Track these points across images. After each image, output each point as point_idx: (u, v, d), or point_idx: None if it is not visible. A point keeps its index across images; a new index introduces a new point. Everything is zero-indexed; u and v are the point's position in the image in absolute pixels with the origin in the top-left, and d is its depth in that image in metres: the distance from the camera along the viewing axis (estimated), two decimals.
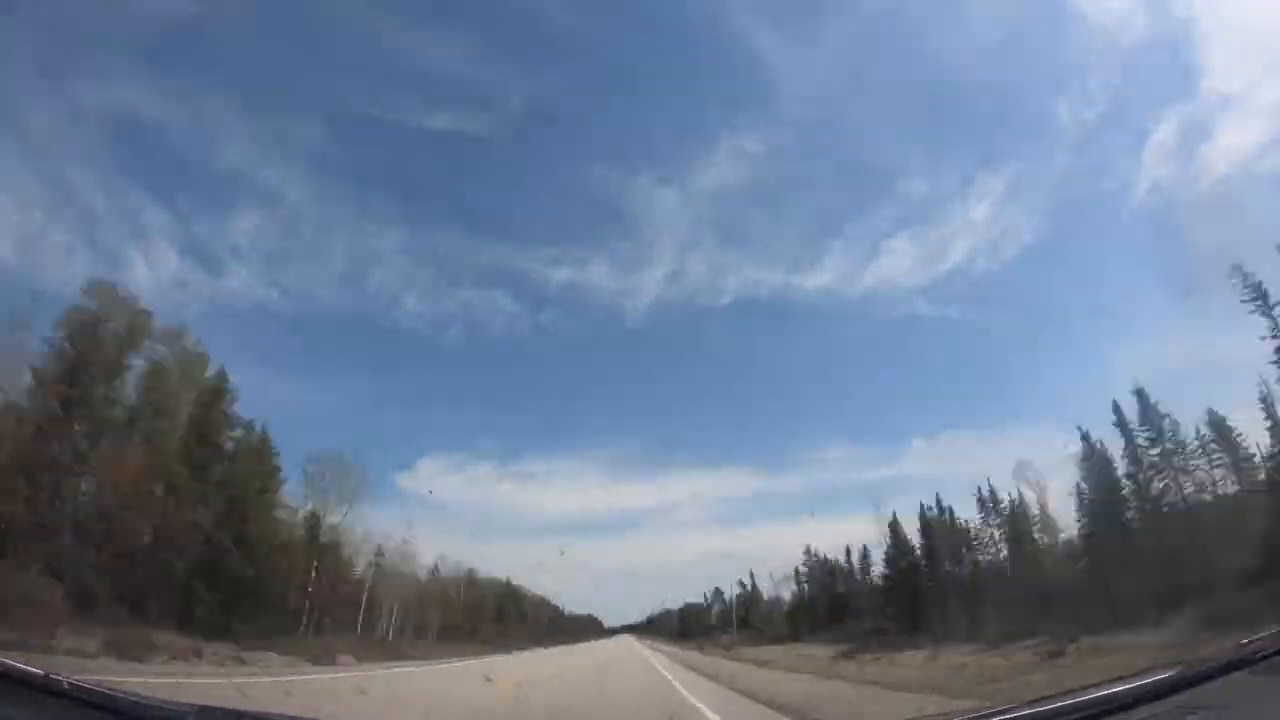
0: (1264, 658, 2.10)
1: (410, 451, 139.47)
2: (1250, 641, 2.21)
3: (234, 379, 33.63)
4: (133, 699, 2.29)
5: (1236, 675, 2.09)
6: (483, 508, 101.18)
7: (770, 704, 13.46)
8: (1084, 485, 33.21)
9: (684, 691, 16.96)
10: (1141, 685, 2.12)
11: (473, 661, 32.97)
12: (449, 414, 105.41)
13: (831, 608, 54.68)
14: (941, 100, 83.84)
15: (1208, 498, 28.79)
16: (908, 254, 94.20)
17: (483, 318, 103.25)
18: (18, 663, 2.12)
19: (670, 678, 21.98)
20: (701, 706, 13.49)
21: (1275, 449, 26.75)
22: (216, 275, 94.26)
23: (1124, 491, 31.34)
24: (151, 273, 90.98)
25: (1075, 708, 2.12)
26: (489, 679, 19.38)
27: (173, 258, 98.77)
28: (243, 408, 33.91)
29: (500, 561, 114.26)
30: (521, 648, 57.22)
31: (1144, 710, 2.02)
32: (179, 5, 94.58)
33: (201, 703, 2.49)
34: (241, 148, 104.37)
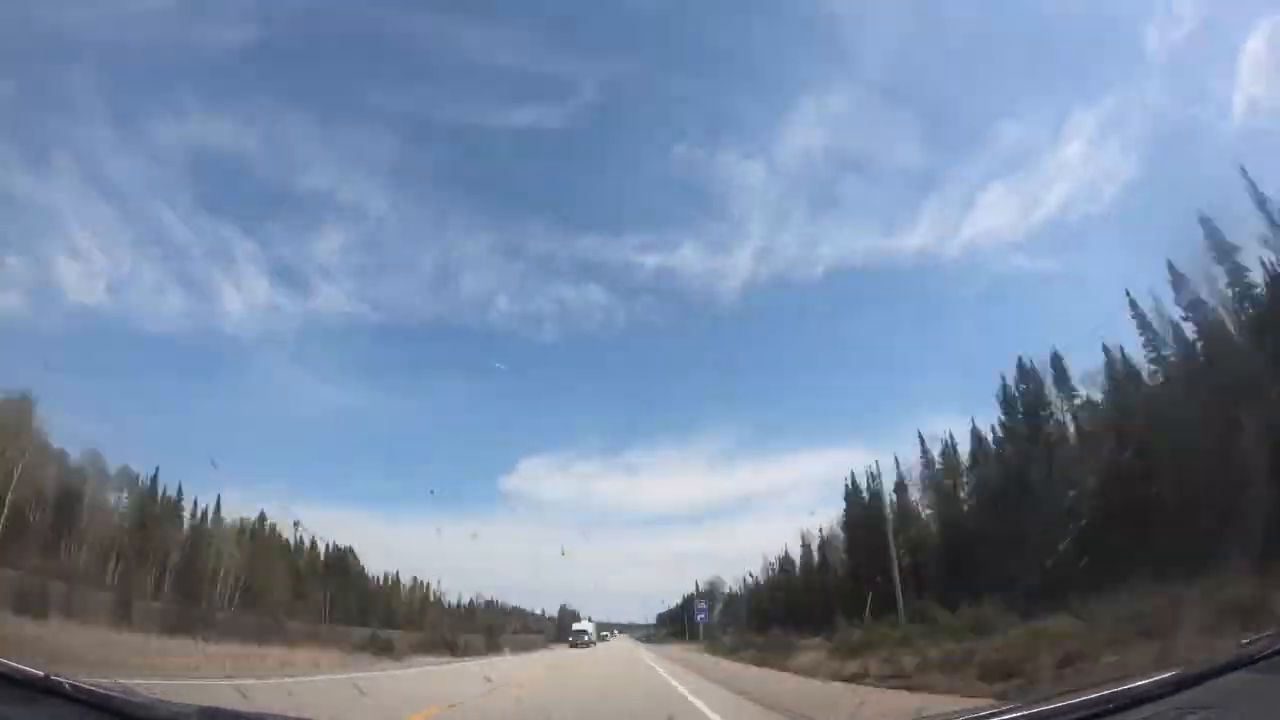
0: (1264, 658, 2.10)
1: (511, 453, 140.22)
2: (1250, 641, 2.22)
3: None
4: (133, 700, 2.30)
5: (1236, 675, 2.09)
6: (586, 504, 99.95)
7: None
8: None
9: None
10: (1141, 685, 2.12)
11: None
12: (547, 412, 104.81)
13: None
14: (1024, 36, 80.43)
15: None
16: (1004, 204, 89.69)
17: (575, 312, 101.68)
18: (18, 663, 2.13)
19: None
20: None
21: None
22: (307, 296, 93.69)
23: None
24: (244, 300, 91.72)
25: (1075, 707, 2.13)
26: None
27: (263, 284, 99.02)
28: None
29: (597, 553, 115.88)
30: None
31: (1144, 710, 2.02)
32: (241, 33, 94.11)
33: (202, 703, 2.49)
34: (320, 167, 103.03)
